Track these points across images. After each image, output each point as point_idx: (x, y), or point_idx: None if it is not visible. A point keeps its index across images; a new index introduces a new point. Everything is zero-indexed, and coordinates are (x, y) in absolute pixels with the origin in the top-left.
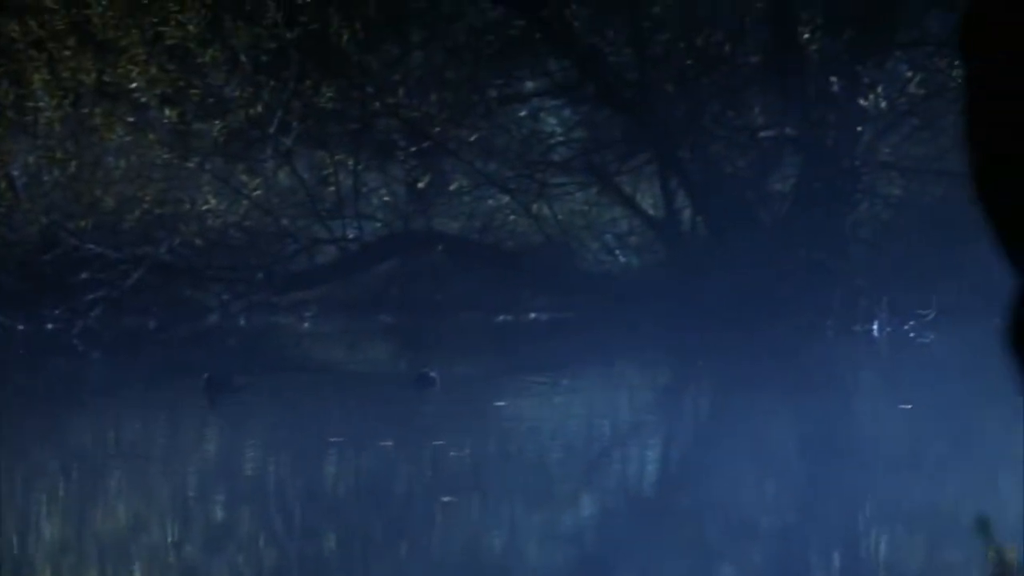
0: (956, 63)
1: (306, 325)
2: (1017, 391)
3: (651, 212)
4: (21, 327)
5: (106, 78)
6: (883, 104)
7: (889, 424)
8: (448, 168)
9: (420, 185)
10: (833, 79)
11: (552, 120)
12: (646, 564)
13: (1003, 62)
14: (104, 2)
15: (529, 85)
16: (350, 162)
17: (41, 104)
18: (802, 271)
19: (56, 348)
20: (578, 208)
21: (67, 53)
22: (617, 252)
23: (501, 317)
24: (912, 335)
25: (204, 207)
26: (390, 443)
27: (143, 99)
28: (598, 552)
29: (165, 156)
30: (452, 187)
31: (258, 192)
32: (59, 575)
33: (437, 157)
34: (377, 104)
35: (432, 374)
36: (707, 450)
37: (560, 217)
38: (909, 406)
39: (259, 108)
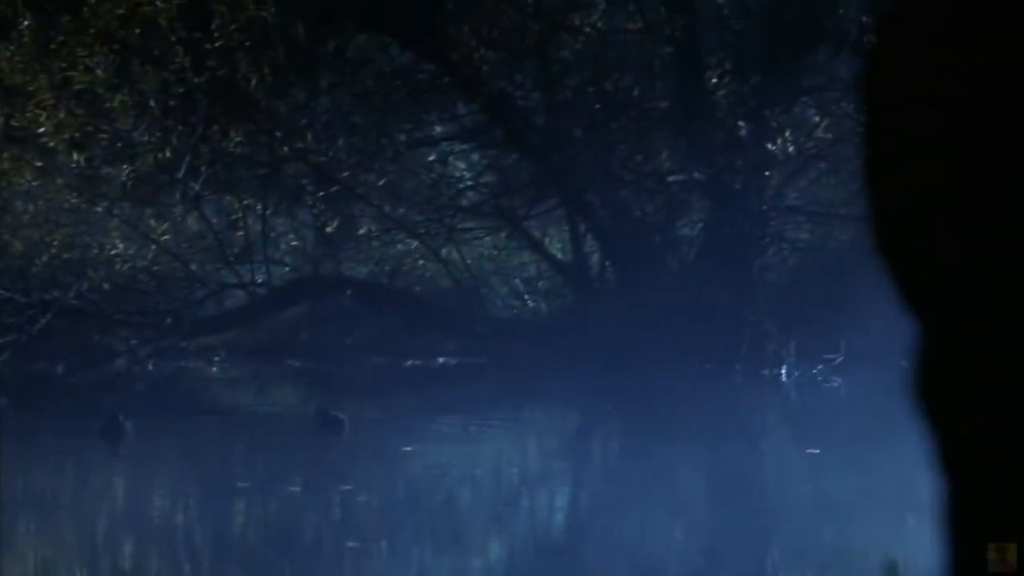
0: (862, 107)
1: (215, 369)
2: (922, 435)
3: (560, 256)
4: None
5: (14, 122)
6: (790, 148)
7: (797, 468)
8: (357, 212)
9: (329, 230)
10: (741, 124)
11: (461, 164)
12: None
13: (906, 103)
14: (12, 46)
15: (438, 129)
16: (258, 207)
17: None
18: (710, 315)
19: None
20: (487, 252)
21: None
22: (526, 296)
23: (410, 361)
24: (820, 379)
25: (112, 252)
26: (297, 488)
27: (51, 143)
28: None
29: (73, 200)
30: (361, 231)
31: (166, 237)
32: None
33: (345, 201)
34: (285, 149)
35: (341, 416)
36: (616, 496)
37: (469, 261)
38: (817, 451)
39: (167, 152)
